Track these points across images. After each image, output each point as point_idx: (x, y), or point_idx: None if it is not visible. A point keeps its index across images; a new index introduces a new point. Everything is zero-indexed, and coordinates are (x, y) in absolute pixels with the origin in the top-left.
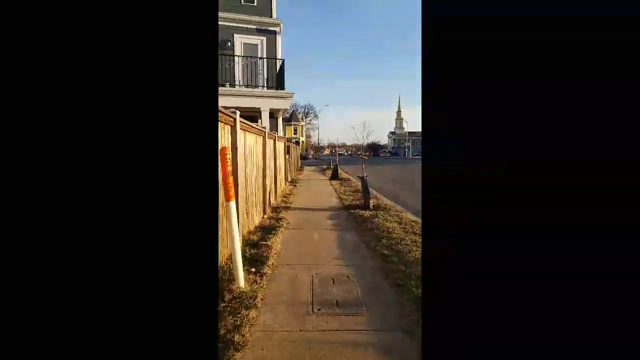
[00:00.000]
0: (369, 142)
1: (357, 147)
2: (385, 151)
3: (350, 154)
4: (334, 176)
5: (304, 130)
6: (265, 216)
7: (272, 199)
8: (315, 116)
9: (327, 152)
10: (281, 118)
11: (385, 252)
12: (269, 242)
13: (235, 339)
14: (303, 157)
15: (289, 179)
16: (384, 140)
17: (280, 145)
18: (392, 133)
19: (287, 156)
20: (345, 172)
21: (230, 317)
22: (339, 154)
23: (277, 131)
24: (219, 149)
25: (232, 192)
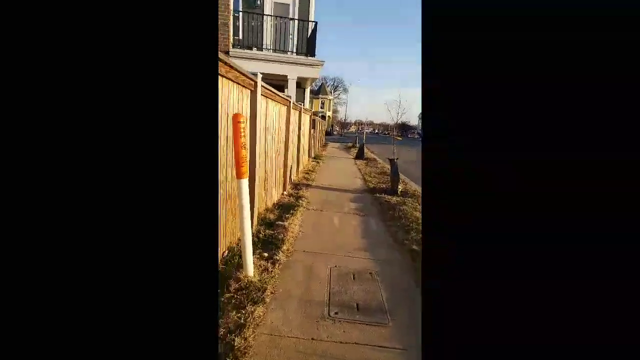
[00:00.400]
0: (400, 121)
1: (385, 127)
2: (414, 132)
3: (377, 133)
4: (359, 155)
5: (331, 104)
6: (285, 192)
7: (294, 175)
8: (345, 90)
9: (353, 129)
10: (309, 89)
11: (414, 247)
12: (285, 223)
13: (236, 343)
14: (328, 133)
15: (312, 155)
16: (413, 121)
17: (306, 119)
18: None
19: (312, 131)
20: (372, 152)
21: (234, 312)
22: (367, 133)
23: (303, 102)
24: (233, 115)
25: (245, 168)
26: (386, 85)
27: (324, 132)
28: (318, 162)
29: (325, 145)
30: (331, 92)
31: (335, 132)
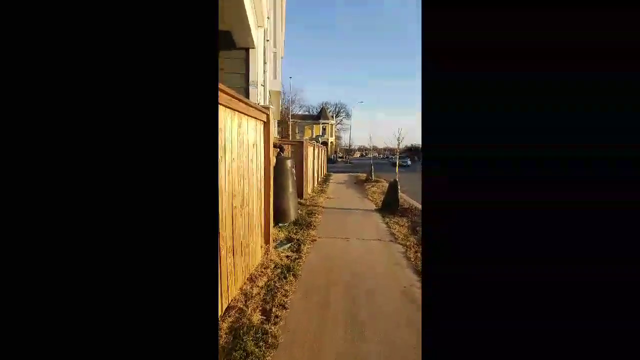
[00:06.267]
0: (410, 145)
1: (391, 150)
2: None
3: (383, 157)
4: (389, 204)
5: (333, 130)
6: None
7: None
8: (347, 115)
9: (357, 154)
10: (263, 38)
11: None
12: None
13: None
14: (331, 161)
15: (292, 217)
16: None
17: (256, 131)
18: None
19: (291, 167)
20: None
21: None
22: (382, 157)
23: (247, 87)
24: None
25: None
26: (393, 107)
27: (325, 163)
28: (300, 245)
29: (326, 180)
30: (333, 117)
31: (339, 160)
